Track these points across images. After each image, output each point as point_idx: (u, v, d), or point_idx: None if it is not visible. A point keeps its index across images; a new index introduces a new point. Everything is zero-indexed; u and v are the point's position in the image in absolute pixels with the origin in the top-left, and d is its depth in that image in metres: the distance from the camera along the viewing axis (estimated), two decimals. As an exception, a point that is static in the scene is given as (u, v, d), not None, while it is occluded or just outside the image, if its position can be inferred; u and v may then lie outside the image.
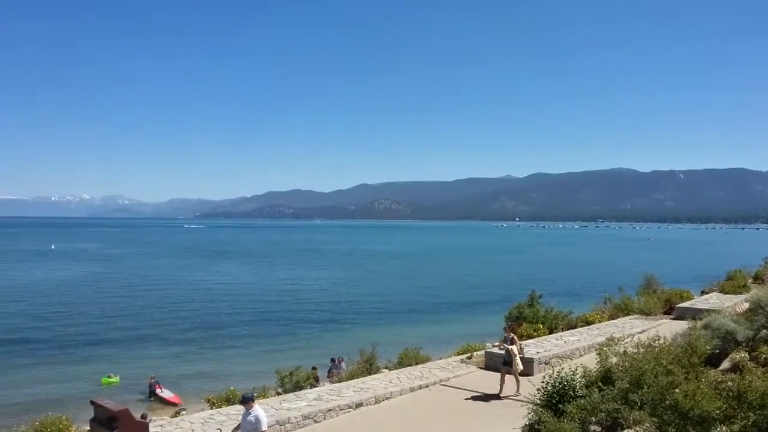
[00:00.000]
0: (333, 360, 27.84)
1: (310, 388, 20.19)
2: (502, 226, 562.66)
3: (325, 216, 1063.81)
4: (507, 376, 17.22)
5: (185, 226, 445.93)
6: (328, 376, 26.08)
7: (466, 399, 17.22)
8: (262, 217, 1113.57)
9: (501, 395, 17.11)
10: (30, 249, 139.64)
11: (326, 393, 17.29)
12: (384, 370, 22.10)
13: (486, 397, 17.11)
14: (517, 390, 17.07)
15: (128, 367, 32.57)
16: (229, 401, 18.32)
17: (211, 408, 18.17)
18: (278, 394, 19.60)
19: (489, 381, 18.69)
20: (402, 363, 23.02)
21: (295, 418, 14.87)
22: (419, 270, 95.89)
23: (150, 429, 12.39)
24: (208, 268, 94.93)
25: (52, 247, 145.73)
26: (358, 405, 16.46)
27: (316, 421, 15.22)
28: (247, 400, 11.60)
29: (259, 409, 11.53)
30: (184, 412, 21.81)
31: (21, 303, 54.77)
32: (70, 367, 32.96)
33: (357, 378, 20.16)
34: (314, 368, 24.64)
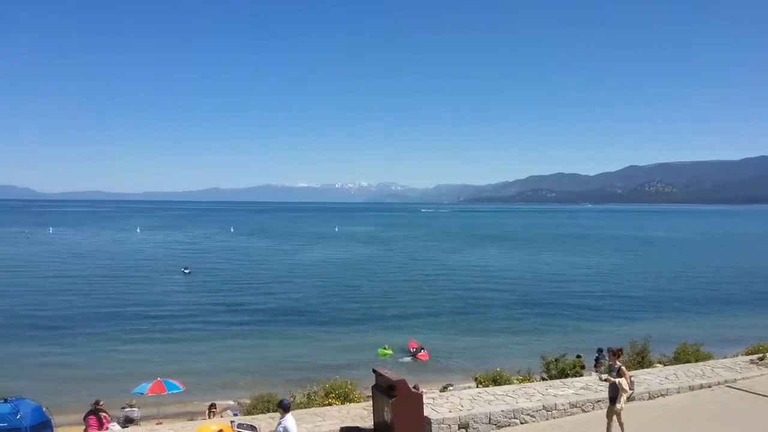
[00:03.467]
0: (600, 350, 26.74)
1: (576, 376, 19.71)
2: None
3: (590, 200, 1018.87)
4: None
5: (422, 210, 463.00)
6: (594, 367, 25.18)
7: (758, 404, 15.27)
8: (524, 202, 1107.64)
9: None
10: (318, 231, 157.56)
11: (594, 383, 16.73)
12: (658, 365, 20.67)
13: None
14: None
15: (400, 340, 35.24)
16: (495, 381, 18.73)
17: (477, 386, 18.75)
18: (543, 379, 19.51)
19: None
20: (678, 359, 21.27)
21: (562, 405, 14.67)
22: (700, 258, 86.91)
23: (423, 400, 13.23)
24: (471, 251, 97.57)
25: (336, 229, 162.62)
26: (629, 399, 15.64)
27: (584, 411, 14.83)
28: (280, 407, 11.24)
29: (290, 418, 10.96)
30: (451, 388, 22.88)
31: (310, 280, 62.34)
32: (352, 338, 36.77)
33: (627, 371, 19.14)
34: (579, 356, 23.93)
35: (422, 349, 33.01)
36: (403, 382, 12.03)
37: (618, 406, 12.56)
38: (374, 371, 13.07)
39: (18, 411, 16.91)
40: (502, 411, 13.92)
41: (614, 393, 12.61)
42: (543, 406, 14.41)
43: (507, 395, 15.24)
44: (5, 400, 17.50)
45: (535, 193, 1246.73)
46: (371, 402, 13.56)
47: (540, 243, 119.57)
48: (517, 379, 19.48)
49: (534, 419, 14.20)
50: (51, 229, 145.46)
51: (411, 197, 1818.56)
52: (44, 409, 18.14)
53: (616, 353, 13.09)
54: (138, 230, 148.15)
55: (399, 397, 11.79)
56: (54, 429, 17.46)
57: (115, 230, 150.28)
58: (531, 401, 14.66)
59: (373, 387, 13.16)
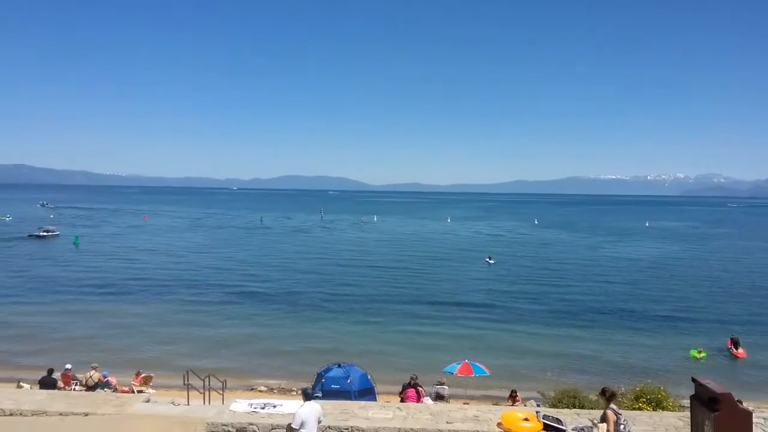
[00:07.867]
0: None
1: None
2: None
3: None
4: None
5: (728, 205, 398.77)
6: None
7: None
8: None
9: None
10: (625, 226, 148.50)
11: None
12: None
13: None
14: None
15: (716, 344, 32.45)
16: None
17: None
18: None
19: None
20: None
21: None
22: None
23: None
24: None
25: (646, 224, 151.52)
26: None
27: None
28: (303, 395, 11.13)
29: (307, 406, 10.76)
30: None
31: (613, 275, 59.48)
32: (661, 339, 34.43)
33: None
34: None
35: (738, 344, 30.16)
36: (730, 396, 10.90)
37: None
38: (694, 380, 12.08)
39: (348, 376, 19.55)
40: None
41: None
42: None
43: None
44: (339, 365, 20.36)
45: None
46: (688, 413, 12.56)
47: None
48: None
49: None
50: (375, 217, 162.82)
51: (738, 191, 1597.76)
52: (369, 376, 20.64)
53: (605, 393, 11.00)
54: (448, 220, 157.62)
55: (723, 411, 10.73)
56: (377, 395, 19.76)
57: (429, 220, 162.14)
58: None
59: (691, 397, 12.17)
